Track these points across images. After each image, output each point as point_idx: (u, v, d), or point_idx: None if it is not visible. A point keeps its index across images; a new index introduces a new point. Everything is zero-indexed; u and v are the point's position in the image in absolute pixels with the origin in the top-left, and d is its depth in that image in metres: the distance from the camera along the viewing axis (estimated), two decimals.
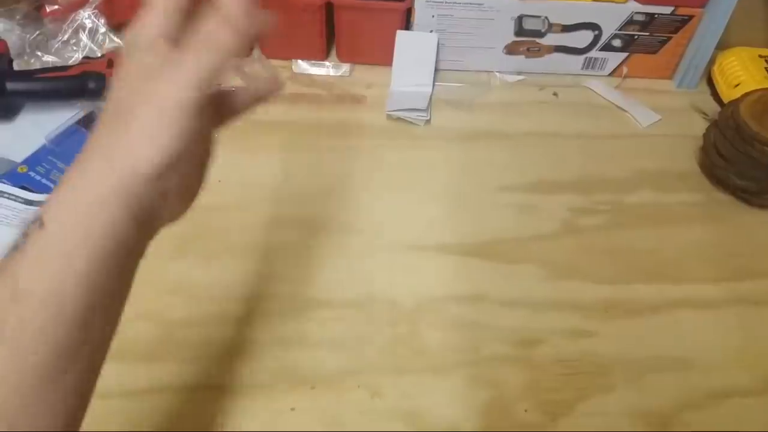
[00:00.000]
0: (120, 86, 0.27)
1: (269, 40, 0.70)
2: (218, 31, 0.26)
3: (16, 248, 0.26)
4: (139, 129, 0.25)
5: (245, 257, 0.53)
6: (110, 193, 0.25)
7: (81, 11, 0.67)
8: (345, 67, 0.72)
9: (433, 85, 0.70)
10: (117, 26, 0.69)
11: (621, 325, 0.51)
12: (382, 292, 0.51)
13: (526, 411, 0.45)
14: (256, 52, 0.72)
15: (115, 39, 0.68)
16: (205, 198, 0.58)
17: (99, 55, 0.65)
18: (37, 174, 0.55)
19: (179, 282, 0.51)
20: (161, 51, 0.26)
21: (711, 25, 0.66)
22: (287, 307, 0.50)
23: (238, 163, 0.61)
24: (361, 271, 0.53)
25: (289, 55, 0.72)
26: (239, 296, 0.50)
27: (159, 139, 0.25)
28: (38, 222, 0.25)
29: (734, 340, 0.50)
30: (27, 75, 0.60)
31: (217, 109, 0.31)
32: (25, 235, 0.25)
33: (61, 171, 0.56)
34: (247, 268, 0.52)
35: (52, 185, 0.55)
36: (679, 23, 0.68)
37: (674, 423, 0.45)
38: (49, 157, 0.56)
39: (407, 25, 0.69)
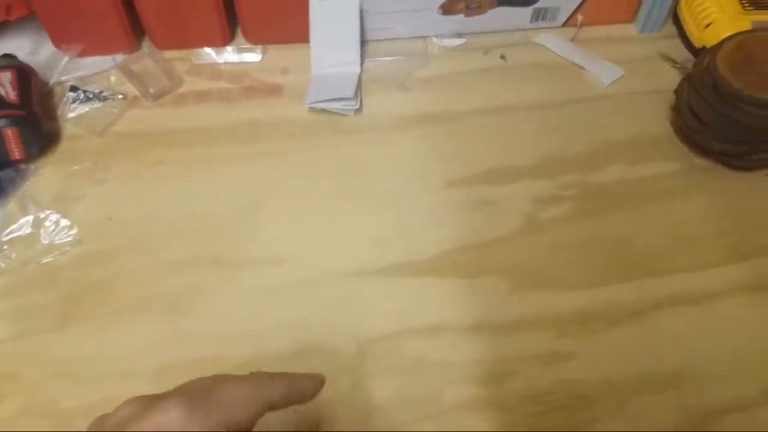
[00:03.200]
0: None
1: (160, 28, 0.59)
2: None
3: None
4: None
5: (150, 314, 0.44)
6: None
7: None
8: (256, 51, 0.61)
9: (362, 61, 0.59)
10: None
11: (601, 339, 0.43)
12: (318, 339, 0.43)
13: None
14: (146, 45, 0.60)
15: None
16: (90, 244, 0.48)
17: None
18: None
19: (67, 360, 0.41)
20: None
21: None
22: (209, 373, 0.41)
23: (129, 192, 0.50)
24: (289, 315, 0.44)
25: (186, 44, 0.60)
26: (147, 367, 0.41)
27: None
28: None
29: (737, 340, 0.44)
30: None
31: None
32: None
33: None
34: (154, 328, 0.43)
35: None
36: None
37: None
38: None
39: None
